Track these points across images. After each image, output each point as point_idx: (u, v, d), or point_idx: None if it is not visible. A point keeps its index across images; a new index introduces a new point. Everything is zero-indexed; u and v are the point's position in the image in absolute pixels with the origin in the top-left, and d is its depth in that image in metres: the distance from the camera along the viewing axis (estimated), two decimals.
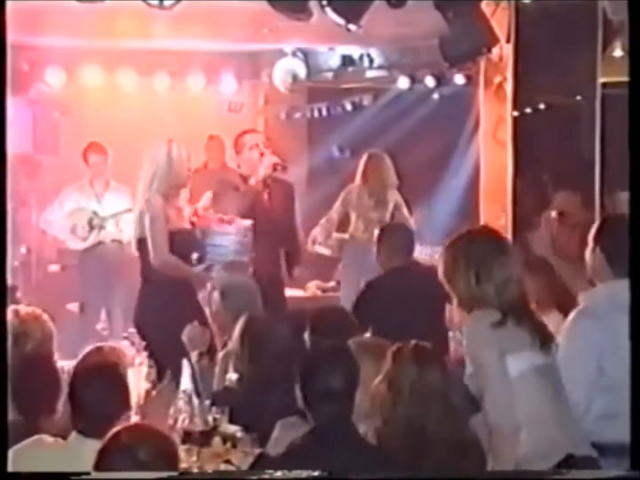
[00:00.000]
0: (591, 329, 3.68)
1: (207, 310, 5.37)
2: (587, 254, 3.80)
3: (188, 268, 5.55)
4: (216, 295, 5.18)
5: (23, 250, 8.08)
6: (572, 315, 3.77)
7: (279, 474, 3.03)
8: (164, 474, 2.81)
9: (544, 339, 3.64)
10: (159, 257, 5.50)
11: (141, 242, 5.68)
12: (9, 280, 7.09)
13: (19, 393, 3.75)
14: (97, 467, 2.89)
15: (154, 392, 4.46)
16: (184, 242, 5.56)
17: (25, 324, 4.31)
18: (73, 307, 7.72)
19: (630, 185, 3.44)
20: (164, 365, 4.86)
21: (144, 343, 5.75)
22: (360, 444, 3.29)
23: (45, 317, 4.40)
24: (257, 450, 3.80)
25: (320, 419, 3.30)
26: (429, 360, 3.46)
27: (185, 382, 4.34)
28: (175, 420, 4.19)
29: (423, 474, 3.20)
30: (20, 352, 4.11)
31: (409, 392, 3.39)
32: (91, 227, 7.62)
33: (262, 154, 6.36)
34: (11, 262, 7.44)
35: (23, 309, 4.44)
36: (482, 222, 7.29)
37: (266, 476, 3.06)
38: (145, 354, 5.37)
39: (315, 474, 3.00)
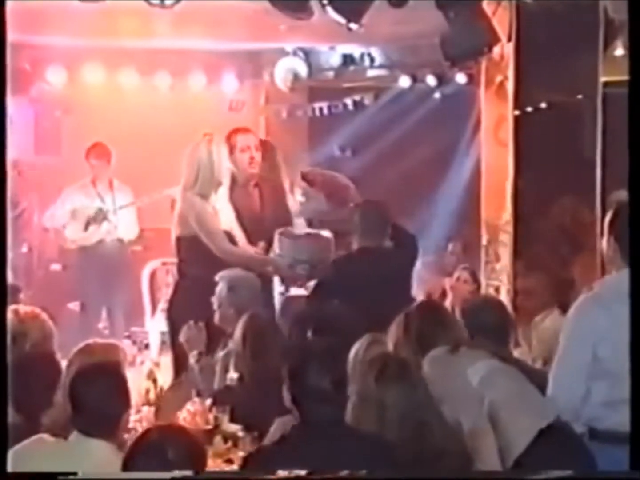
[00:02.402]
0: (591, 314, 3.71)
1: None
2: (603, 242, 3.85)
3: (255, 255, 5.69)
4: (223, 288, 5.16)
5: (24, 249, 8.07)
6: (575, 302, 3.82)
7: (280, 474, 3.03)
8: (165, 475, 2.81)
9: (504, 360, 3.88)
10: (223, 250, 5.60)
11: (180, 240, 5.74)
12: (11, 280, 7.17)
13: (18, 392, 3.75)
14: (126, 466, 2.89)
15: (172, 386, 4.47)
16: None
17: (25, 323, 4.31)
18: (74, 306, 7.71)
19: (630, 185, 3.46)
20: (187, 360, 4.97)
21: (145, 342, 5.80)
22: (355, 440, 3.28)
23: (44, 316, 4.41)
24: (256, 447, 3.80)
25: (309, 418, 3.29)
26: (390, 376, 3.45)
27: None
28: (177, 420, 4.24)
29: (422, 474, 3.21)
30: (19, 352, 4.12)
31: (382, 413, 3.39)
32: (95, 222, 7.62)
33: (252, 158, 6.24)
34: (12, 261, 7.44)
35: (22, 308, 4.46)
36: (483, 221, 7.29)
37: (267, 476, 3.05)
38: (147, 352, 5.41)
39: (301, 473, 3.00)
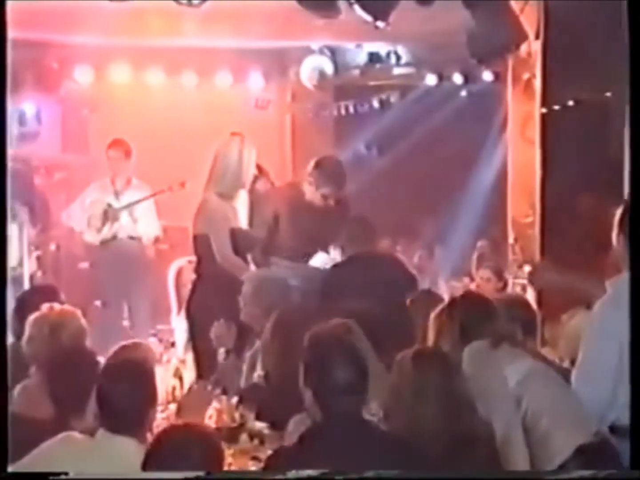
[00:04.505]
0: (613, 318, 3.67)
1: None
2: (614, 239, 3.81)
3: (248, 269, 5.61)
4: (250, 288, 5.13)
5: (52, 247, 8.10)
6: (597, 304, 3.79)
7: (292, 473, 3.02)
8: (170, 475, 2.81)
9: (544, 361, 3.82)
10: (222, 255, 5.58)
11: (197, 239, 5.72)
12: (40, 278, 7.20)
13: (53, 389, 3.80)
14: (145, 466, 2.90)
15: (194, 387, 4.47)
16: (240, 242, 5.65)
17: (59, 320, 4.33)
18: (100, 303, 7.72)
19: (631, 185, 3.49)
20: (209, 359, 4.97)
21: (172, 340, 5.80)
22: (374, 437, 3.25)
23: (78, 313, 4.43)
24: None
25: (331, 413, 3.25)
26: (429, 364, 3.47)
27: None
28: (203, 417, 4.23)
29: (429, 473, 3.19)
30: (54, 348, 4.15)
31: (413, 398, 3.39)
32: (105, 219, 7.61)
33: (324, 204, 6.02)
34: (41, 260, 7.48)
35: (57, 305, 4.46)
36: (509, 219, 7.25)
37: (282, 476, 3.04)
38: (173, 350, 5.41)
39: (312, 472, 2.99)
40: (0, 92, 3.63)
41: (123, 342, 4.44)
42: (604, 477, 3.18)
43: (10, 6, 3.98)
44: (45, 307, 4.38)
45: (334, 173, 6.09)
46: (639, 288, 3.38)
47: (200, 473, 2.78)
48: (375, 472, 2.99)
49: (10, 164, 7.65)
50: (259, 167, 6.07)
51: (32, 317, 4.34)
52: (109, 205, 7.62)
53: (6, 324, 3.60)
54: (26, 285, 7.08)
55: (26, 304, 4.71)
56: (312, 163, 6.08)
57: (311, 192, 6.05)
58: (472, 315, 3.87)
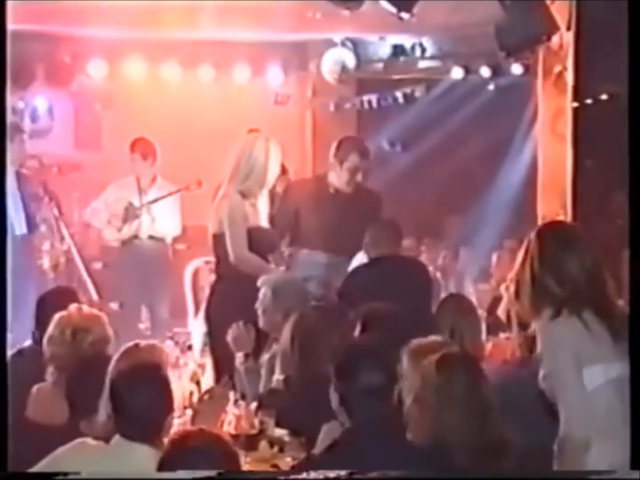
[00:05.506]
0: None
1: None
2: None
3: (267, 266, 5.55)
4: (267, 293, 5.05)
5: (65, 247, 7.98)
6: None
7: (304, 475, 2.98)
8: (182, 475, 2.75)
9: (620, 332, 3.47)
10: (237, 253, 5.51)
11: (216, 238, 5.66)
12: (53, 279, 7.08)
13: (72, 392, 3.81)
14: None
15: (206, 395, 4.42)
16: (260, 241, 5.58)
17: (84, 324, 4.26)
18: (115, 305, 7.61)
19: (630, 185, 3.39)
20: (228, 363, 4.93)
21: (188, 343, 5.67)
22: (399, 442, 3.23)
23: (104, 319, 4.36)
24: (305, 455, 3.75)
25: (358, 417, 3.28)
26: (454, 369, 3.42)
27: None
28: (222, 424, 4.16)
29: (454, 475, 3.18)
30: (75, 353, 4.12)
31: (437, 404, 3.34)
32: (125, 217, 7.49)
33: (355, 182, 5.98)
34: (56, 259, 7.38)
35: (86, 308, 4.42)
36: (540, 218, 7.13)
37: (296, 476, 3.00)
38: (190, 354, 5.27)
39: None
40: (1, 92, 3.49)
41: (135, 342, 4.29)
42: (604, 478, 3.13)
43: None
44: (73, 307, 4.33)
45: (356, 143, 6.19)
46: (638, 287, 3.30)
47: (212, 473, 2.75)
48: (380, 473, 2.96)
49: (22, 161, 7.61)
50: (282, 167, 6.02)
51: (56, 317, 4.28)
52: (130, 204, 7.52)
53: (6, 325, 3.56)
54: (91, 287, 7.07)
55: (46, 306, 4.67)
56: (333, 146, 6.12)
57: (337, 175, 6.05)
58: (552, 247, 3.57)
